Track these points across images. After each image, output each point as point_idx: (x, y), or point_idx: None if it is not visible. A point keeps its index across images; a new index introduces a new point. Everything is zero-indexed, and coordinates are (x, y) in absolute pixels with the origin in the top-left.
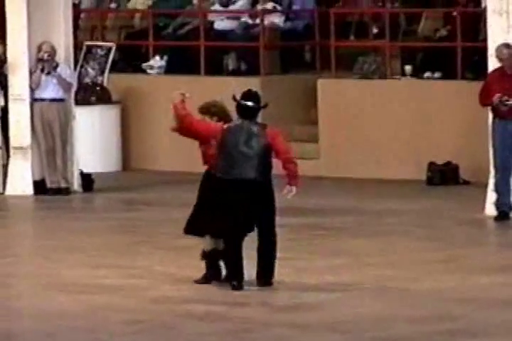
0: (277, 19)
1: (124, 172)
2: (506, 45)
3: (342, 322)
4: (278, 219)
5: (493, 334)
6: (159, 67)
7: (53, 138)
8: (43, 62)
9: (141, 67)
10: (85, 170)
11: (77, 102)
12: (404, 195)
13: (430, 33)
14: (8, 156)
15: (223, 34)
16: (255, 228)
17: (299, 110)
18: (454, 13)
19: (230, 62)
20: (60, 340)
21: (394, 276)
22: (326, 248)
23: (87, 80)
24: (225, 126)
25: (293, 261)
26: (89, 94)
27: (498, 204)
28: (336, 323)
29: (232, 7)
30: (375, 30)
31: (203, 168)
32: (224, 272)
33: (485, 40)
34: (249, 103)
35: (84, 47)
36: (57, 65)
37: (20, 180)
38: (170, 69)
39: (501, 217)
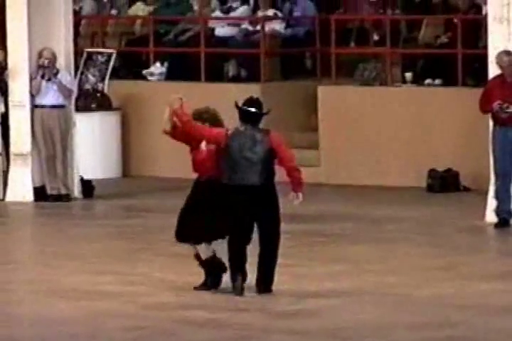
0: (278, 26)
1: (124, 179)
2: (507, 53)
3: (342, 328)
4: None
5: None
6: (160, 74)
7: (54, 145)
8: (44, 69)
9: (141, 74)
10: (85, 177)
11: (78, 109)
12: (404, 201)
13: (431, 40)
14: (8, 163)
15: (224, 41)
16: (257, 234)
17: (299, 117)
18: (455, 20)
19: (231, 69)
20: None
21: (394, 283)
22: (326, 254)
23: (88, 87)
24: (229, 131)
25: (293, 268)
26: (90, 100)
27: (498, 211)
28: (336, 330)
29: (232, 14)
30: (375, 37)
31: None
32: (224, 279)
33: (485, 47)
34: (252, 109)
35: (85, 54)
36: (57, 72)
37: (21, 187)
38: (170, 75)
39: (501, 223)
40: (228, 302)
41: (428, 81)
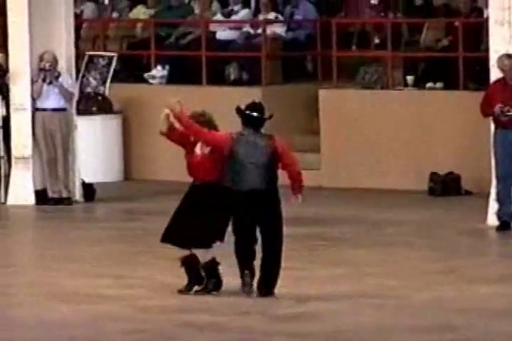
0: (279, 29)
1: (126, 182)
2: (508, 56)
3: (342, 331)
4: None
5: None
6: (161, 77)
7: (55, 148)
8: (45, 72)
9: (142, 77)
10: (87, 180)
11: (79, 112)
12: (405, 205)
13: (432, 43)
14: (9, 166)
15: (225, 44)
16: (260, 237)
17: (300, 120)
18: (456, 24)
19: (232, 72)
20: None
21: (394, 286)
22: (327, 258)
23: (89, 90)
24: (233, 136)
25: (293, 271)
26: (91, 103)
27: (499, 214)
28: (337, 333)
29: (234, 17)
30: (377, 41)
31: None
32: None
33: (487, 50)
34: (255, 113)
35: (86, 57)
36: (59, 75)
37: (22, 190)
38: (171, 79)
39: (503, 226)
40: (229, 305)
41: (429, 84)
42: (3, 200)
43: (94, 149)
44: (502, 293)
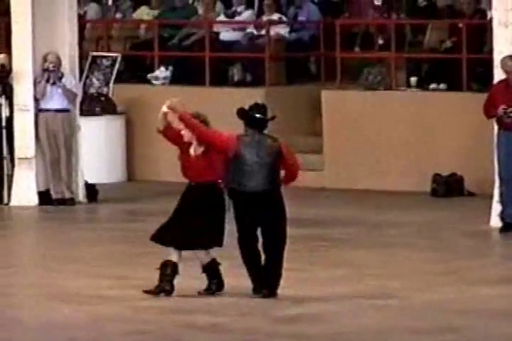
0: (283, 30)
1: (129, 183)
2: (511, 57)
3: (343, 333)
4: None
5: None
6: (164, 78)
7: (58, 149)
8: (49, 73)
9: (146, 78)
10: (90, 181)
11: (82, 113)
12: (408, 206)
13: (436, 45)
14: (13, 167)
15: (228, 45)
16: (263, 238)
17: (303, 121)
18: (460, 25)
19: (235, 73)
20: None
21: (395, 288)
22: (328, 259)
23: (92, 91)
24: (238, 137)
25: (294, 272)
26: (94, 104)
27: (503, 216)
28: (337, 334)
29: (237, 18)
30: (380, 42)
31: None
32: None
33: (490, 51)
34: (258, 115)
35: (90, 58)
36: (62, 76)
37: (25, 191)
38: (175, 79)
39: (506, 228)
40: (231, 306)
41: (433, 85)
42: (6, 201)
43: (98, 150)
44: (503, 294)
